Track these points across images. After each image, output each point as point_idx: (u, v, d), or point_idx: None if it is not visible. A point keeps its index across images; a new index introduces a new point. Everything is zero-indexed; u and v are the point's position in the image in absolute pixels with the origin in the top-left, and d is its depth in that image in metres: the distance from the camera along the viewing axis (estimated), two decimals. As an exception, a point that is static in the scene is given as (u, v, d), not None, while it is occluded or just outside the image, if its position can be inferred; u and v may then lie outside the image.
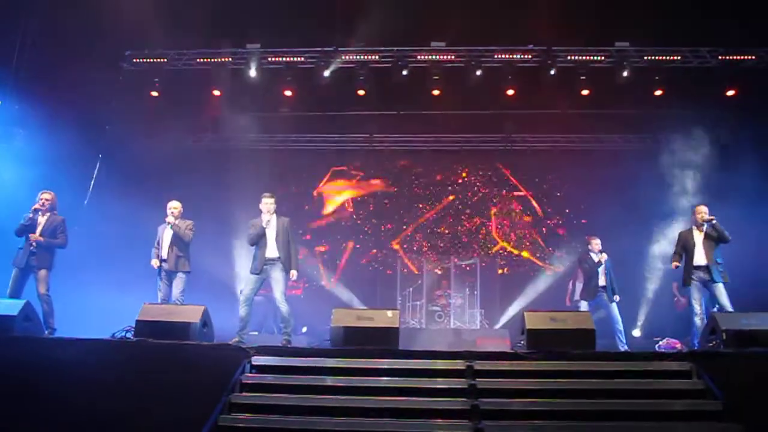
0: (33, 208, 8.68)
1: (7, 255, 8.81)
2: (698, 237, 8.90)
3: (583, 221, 14.73)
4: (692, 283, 8.73)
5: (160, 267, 8.94)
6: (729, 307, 8.36)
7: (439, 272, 14.72)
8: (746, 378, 6.01)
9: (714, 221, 8.77)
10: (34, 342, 7.18)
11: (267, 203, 8.59)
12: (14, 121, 10.69)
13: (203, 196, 13.07)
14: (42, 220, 8.77)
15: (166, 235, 9.04)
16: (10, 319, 7.19)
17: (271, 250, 8.48)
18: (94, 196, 11.08)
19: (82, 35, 10.81)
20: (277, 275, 8.44)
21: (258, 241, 8.53)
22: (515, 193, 15.65)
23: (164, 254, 8.95)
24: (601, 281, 9.94)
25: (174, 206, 9.12)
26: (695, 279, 8.72)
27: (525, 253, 15.20)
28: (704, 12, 11.18)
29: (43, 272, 8.60)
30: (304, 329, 12.33)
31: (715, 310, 8.44)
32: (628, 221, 12.97)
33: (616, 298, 9.86)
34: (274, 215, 8.62)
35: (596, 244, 10.22)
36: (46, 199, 8.82)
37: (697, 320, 8.59)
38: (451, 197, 15.78)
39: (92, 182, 12.37)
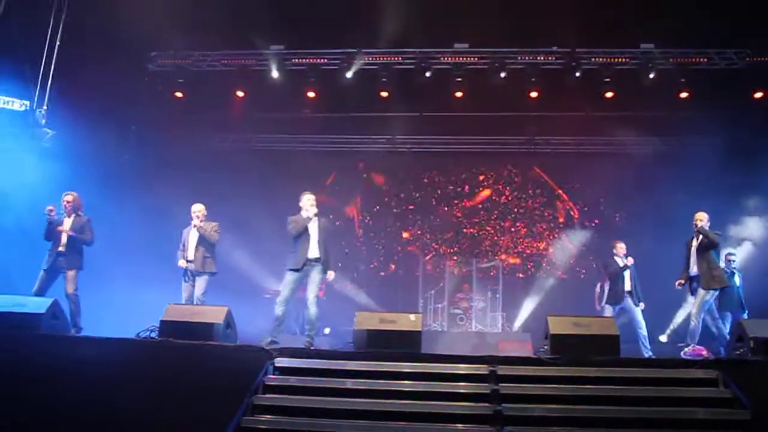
0: (47, 209, 8.73)
1: (32, 254, 8.99)
2: (694, 245, 8.88)
3: (615, 218, 14.64)
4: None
5: (186, 268, 9.06)
6: (694, 315, 8.55)
7: (461, 275, 14.67)
8: (773, 386, 5.92)
9: (697, 227, 8.76)
10: (60, 340, 7.29)
11: (309, 199, 8.46)
12: (42, 122, 10.79)
13: (225, 196, 13.16)
14: (68, 221, 8.88)
15: (191, 237, 9.16)
16: (37, 317, 7.30)
17: (313, 250, 8.32)
18: (119, 195, 11.13)
19: (108, 37, 10.91)
20: (314, 276, 8.31)
21: (300, 236, 8.36)
22: (538, 195, 15.59)
23: (190, 255, 9.07)
24: (627, 286, 9.87)
25: (198, 209, 9.23)
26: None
27: (546, 256, 15.14)
28: (729, 13, 11.00)
29: (71, 272, 8.76)
30: (327, 330, 12.34)
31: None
32: (654, 224, 12.88)
33: (641, 305, 9.79)
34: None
35: (621, 248, 10.15)
36: (68, 201, 8.94)
37: (712, 328, 8.78)
38: (474, 200, 15.76)
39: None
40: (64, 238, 8.79)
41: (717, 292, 8.67)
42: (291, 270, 8.28)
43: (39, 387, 6.05)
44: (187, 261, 9.08)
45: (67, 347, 6.99)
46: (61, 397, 5.97)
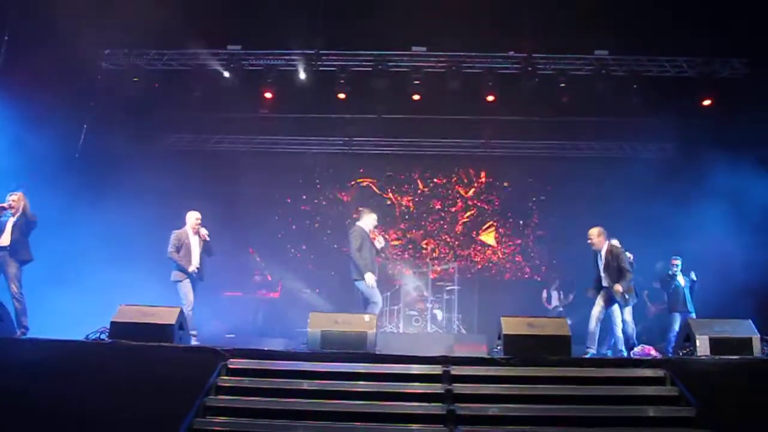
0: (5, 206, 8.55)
1: None
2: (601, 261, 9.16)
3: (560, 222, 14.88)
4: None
5: (190, 273, 9.16)
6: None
7: (417, 277, 14.72)
8: (720, 384, 6.08)
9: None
10: (6, 343, 7.08)
11: (375, 219, 9.32)
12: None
13: (180, 196, 12.99)
14: (11, 221, 8.59)
15: (194, 243, 9.30)
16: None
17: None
18: (69, 194, 10.86)
19: (59, 33, 10.64)
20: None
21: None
22: (493, 199, 15.78)
23: (196, 262, 9.25)
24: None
25: (198, 216, 9.43)
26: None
27: (501, 259, 15.34)
28: (683, 22, 11.27)
29: (13, 270, 8.44)
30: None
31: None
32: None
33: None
34: None
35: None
36: (14, 201, 8.63)
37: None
38: (431, 203, 15.89)
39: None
40: (7, 235, 8.50)
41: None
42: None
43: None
44: (192, 269, 9.22)
45: (12, 349, 6.80)
46: (7, 401, 5.81)
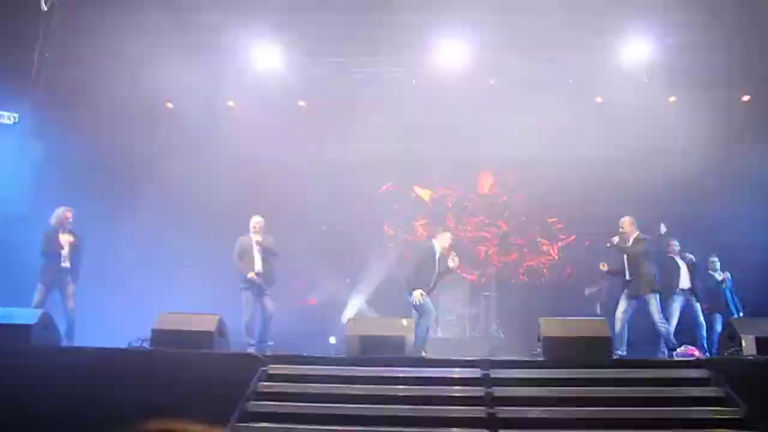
0: (52, 223, 8.90)
1: (17, 267, 9.20)
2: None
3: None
4: None
5: (251, 280, 8.94)
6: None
7: (454, 282, 14.60)
8: (766, 385, 5.93)
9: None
10: (52, 351, 7.24)
11: (449, 238, 9.21)
12: (32, 134, 10.73)
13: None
14: (66, 236, 8.93)
15: (255, 248, 9.07)
16: (28, 328, 7.22)
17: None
18: (111, 206, 11.05)
19: (96, 47, 10.86)
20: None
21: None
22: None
23: (259, 267, 9.01)
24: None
25: (257, 221, 9.17)
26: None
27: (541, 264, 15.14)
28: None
29: (71, 288, 8.85)
30: (333, 339, 12.29)
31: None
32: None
33: None
34: None
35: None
36: (67, 217, 9.00)
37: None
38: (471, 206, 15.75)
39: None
40: (66, 253, 8.84)
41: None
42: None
43: (30, 399, 6.02)
44: (255, 274, 8.98)
45: (58, 358, 6.96)
46: (53, 408, 5.93)
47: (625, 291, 8.84)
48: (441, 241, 9.11)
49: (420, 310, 8.67)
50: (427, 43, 11.68)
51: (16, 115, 10.67)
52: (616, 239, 8.92)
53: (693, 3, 10.56)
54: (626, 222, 8.99)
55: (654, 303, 8.60)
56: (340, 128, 13.40)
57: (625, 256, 8.85)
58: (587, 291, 12.74)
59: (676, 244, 10.09)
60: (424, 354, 8.24)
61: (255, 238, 9.04)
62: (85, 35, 10.83)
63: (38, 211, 9.72)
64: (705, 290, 10.39)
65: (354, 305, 13.15)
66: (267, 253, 9.11)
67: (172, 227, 11.69)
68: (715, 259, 10.56)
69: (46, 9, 10.26)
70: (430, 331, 9.22)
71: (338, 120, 13.25)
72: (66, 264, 8.82)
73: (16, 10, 10.30)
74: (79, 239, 9.04)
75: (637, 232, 8.96)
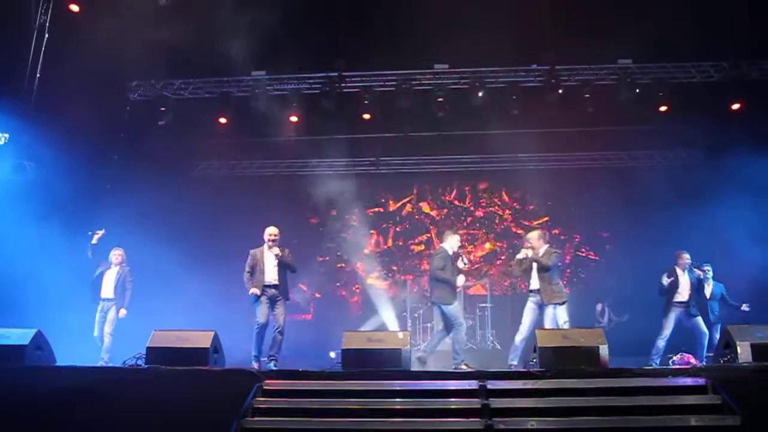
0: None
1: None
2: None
3: (602, 235, 14.79)
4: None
5: (263, 293, 8.79)
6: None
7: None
8: (763, 392, 5.94)
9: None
10: (45, 371, 7.19)
11: (458, 240, 9.31)
12: (24, 155, 10.69)
13: (212, 224, 13.17)
14: (112, 274, 9.97)
15: (268, 260, 8.90)
16: (21, 348, 7.20)
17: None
18: (104, 225, 11.03)
19: (88, 68, 10.86)
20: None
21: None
22: (526, 214, 15.72)
23: (270, 279, 8.85)
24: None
25: (272, 232, 9.02)
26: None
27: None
28: (706, 27, 11.17)
29: (113, 315, 9.79)
30: (333, 354, 12.22)
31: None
32: (642, 237, 13.07)
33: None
34: None
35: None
36: (118, 255, 10.10)
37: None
38: (465, 220, 15.88)
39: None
40: (111, 285, 9.89)
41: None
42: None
43: (24, 419, 5.97)
44: (266, 286, 8.81)
45: (52, 378, 6.91)
46: (45, 427, 5.89)
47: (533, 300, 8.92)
48: (450, 243, 9.10)
49: (455, 318, 8.75)
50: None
51: (6, 135, 10.64)
52: (530, 253, 8.98)
53: None
54: (534, 236, 9.12)
55: (558, 314, 8.69)
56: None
57: (535, 267, 8.90)
58: None
59: (687, 258, 10.10)
60: (465, 367, 8.31)
61: (274, 251, 8.88)
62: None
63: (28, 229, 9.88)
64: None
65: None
66: (284, 266, 8.96)
67: (173, 245, 11.70)
68: (708, 267, 10.61)
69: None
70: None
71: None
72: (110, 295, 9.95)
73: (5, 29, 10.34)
74: (124, 274, 10.08)
75: (547, 245, 9.08)
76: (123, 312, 9.80)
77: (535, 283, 8.85)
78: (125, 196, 12.18)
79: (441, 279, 8.86)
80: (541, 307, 8.74)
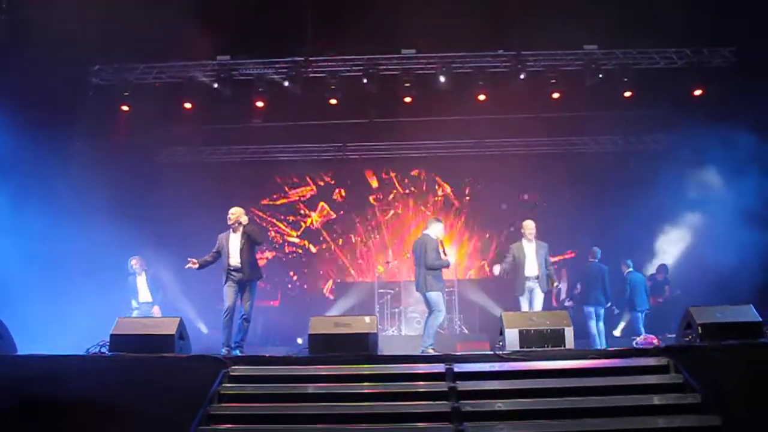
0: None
1: None
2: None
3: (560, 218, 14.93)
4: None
5: (227, 276, 8.64)
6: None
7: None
8: (723, 370, 6.07)
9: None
10: (5, 360, 7.03)
11: (442, 228, 9.21)
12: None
13: (176, 211, 12.99)
14: (140, 281, 10.69)
15: (232, 242, 8.71)
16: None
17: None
18: (59, 212, 10.78)
19: (48, 50, 10.59)
20: None
21: None
22: (487, 198, 15.80)
23: (234, 262, 8.64)
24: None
25: (232, 212, 8.76)
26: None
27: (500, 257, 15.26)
28: (669, 14, 11.30)
29: (155, 309, 10.61)
30: (300, 340, 12.19)
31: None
32: (603, 222, 13.20)
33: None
34: None
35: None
36: (140, 262, 10.74)
37: None
38: (429, 204, 15.93)
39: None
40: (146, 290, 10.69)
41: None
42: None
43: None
44: (231, 269, 8.63)
45: (13, 367, 6.76)
46: (7, 419, 5.77)
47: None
48: (435, 231, 9.00)
49: (436, 305, 8.71)
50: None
51: None
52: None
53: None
54: (531, 226, 9.55)
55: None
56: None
57: (535, 255, 9.36)
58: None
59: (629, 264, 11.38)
60: (432, 350, 8.30)
61: (239, 229, 8.72)
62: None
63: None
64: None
65: None
66: (250, 246, 8.74)
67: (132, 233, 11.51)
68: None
69: None
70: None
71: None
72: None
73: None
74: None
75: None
76: (156, 309, 10.60)
77: (534, 270, 9.20)
78: (86, 180, 11.93)
79: (434, 267, 8.79)
80: (532, 292, 9.19)
